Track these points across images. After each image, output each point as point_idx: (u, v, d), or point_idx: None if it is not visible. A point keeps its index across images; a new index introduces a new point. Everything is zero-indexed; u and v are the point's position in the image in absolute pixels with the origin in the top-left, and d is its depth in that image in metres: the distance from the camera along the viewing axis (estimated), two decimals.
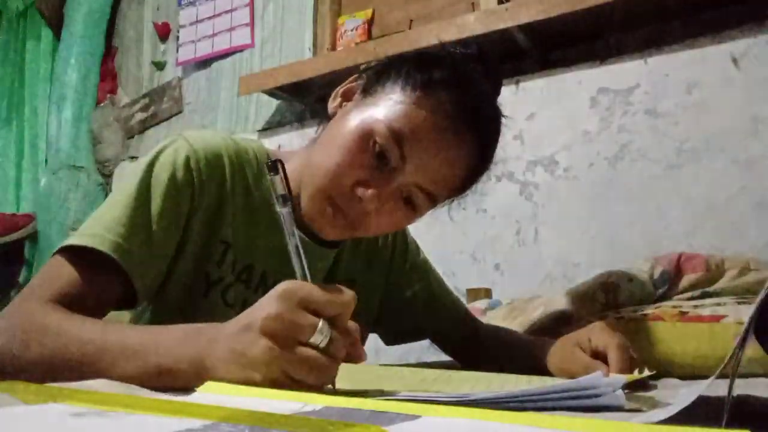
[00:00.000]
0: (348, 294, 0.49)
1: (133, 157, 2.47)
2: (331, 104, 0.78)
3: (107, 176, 2.52)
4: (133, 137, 2.49)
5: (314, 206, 0.72)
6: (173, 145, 0.73)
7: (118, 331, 0.57)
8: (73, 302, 0.61)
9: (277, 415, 0.31)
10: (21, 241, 2.43)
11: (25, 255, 2.46)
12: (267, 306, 0.47)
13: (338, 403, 0.37)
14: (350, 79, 0.78)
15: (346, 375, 0.51)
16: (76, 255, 0.63)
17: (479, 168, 0.77)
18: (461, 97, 0.70)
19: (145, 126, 2.46)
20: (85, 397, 0.36)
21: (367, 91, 0.74)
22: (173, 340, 0.53)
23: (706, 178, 1.35)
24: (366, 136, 0.68)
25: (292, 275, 0.52)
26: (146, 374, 0.51)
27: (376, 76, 0.75)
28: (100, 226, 0.65)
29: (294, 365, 0.45)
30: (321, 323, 0.46)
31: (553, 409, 0.42)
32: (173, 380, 0.51)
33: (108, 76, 2.60)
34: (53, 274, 0.64)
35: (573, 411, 0.41)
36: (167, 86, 2.43)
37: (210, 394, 0.43)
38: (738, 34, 1.36)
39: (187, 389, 0.47)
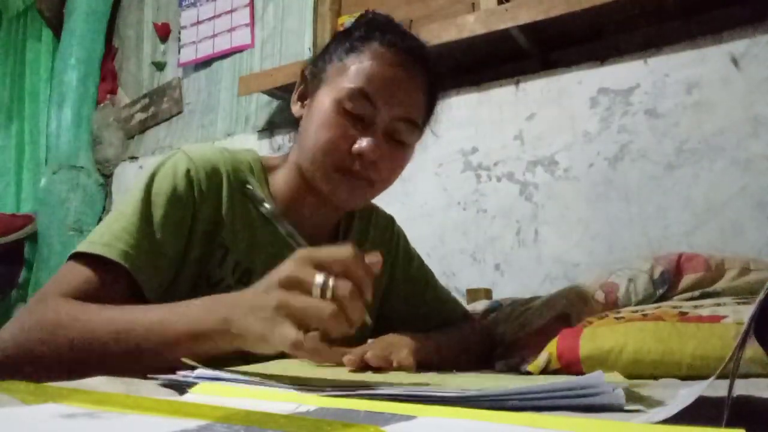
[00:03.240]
0: (346, 249, 0.55)
1: (133, 158, 2.47)
2: (295, 109, 0.87)
3: (107, 176, 2.51)
4: (133, 137, 2.49)
5: (330, 182, 0.79)
6: (173, 158, 0.79)
7: (140, 311, 0.63)
8: (86, 299, 0.66)
9: (275, 415, 0.31)
10: (21, 241, 2.43)
11: (25, 255, 2.46)
12: (282, 269, 0.54)
13: (333, 403, 0.36)
14: (297, 83, 0.88)
15: (347, 375, 0.51)
16: (87, 261, 0.69)
17: (434, 85, 0.85)
18: (386, 36, 0.80)
19: (145, 126, 2.46)
20: (82, 398, 0.36)
21: (314, 82, 0.83)
22: (196, 308, 0.60)
23: (706, 178, 1.35)
24: (337, 108, 0.78)
25: None
26: (179, 341, 0.58)
27: (315, 68, 0.84)
28: (109, 235, 0.70)
29: (301, 312, 0.52)
30: (319, 276, 0.52)
31: (553, 408, 0.42)
32: (204, 342, 0.57)
33: (108, 76, 2.60)
34: (66, 275, 0.69)
35: (573, 411, 0.41)
36: (167, 86, 2.42)
37: (204, 395, 0.43)
38: (738, 34, 1.36)
39: (217, 356, 0.54)
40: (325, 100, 0.79)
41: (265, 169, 0.87)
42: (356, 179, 0.79)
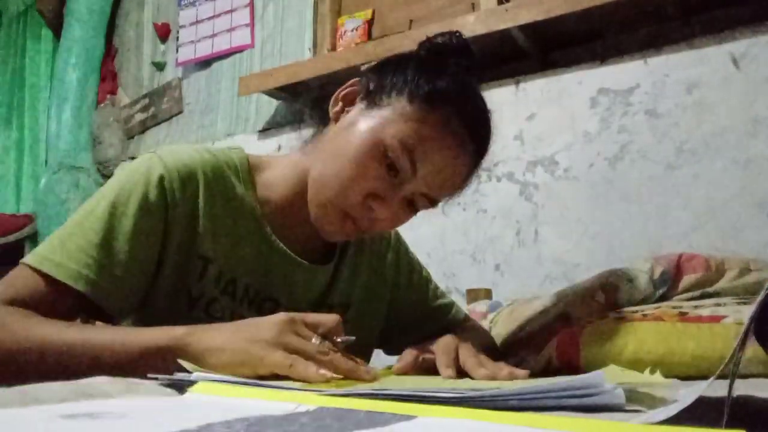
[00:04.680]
0: (332, 316, 0.61)
1: (133, 158, 2.47)
2: (333, 109, 0.78)
3: (107, 176, 2.51)
4: (133, 138, 2.49)
5: (326, 216, 0.75)
6: (145, 163, 0.72)
7: (87, 329, 0.63)
8: (31, 309, 0.63)
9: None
10: (21, 241, 2.43)
11: (25, 255, 2.46)
12: (279, 315, 0.59)
13: (333, 403, 0.36)
14: (350, 82, 0.79)
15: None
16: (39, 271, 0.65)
17: (474, 171, 0.81)
18: (464, 109, 0.74)
19: (145, 126, 2.46)
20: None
21: (370, 97, 0.75)
22: (153, 330, 0.61)
23: (706, 178, 1.35)
24: (378, 150, 0.71)
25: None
26: (133, 359, 0.58)
27: (377, 81, 0.76)
28: (62, 253, 0.66)
29: (297, 342, 0.56)
30: (315, 336, 0.58)
31: (553, 408, 0.42)
32: (154, 359, 0.57)
33: (108, 76, 2.60)
34: (17, 279, 0.65)
35: (573, 411, 0.41)
36: (167, 87, 2.42)
37: (204, 394, 0.43)
38: (738, 34, 1.36)
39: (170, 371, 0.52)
40: (371, 129, 0.72)
41: (252, 169, 0.80)
42: (352, 224, 0.74)
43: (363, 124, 0.73)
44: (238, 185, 0.77)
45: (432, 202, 0.76)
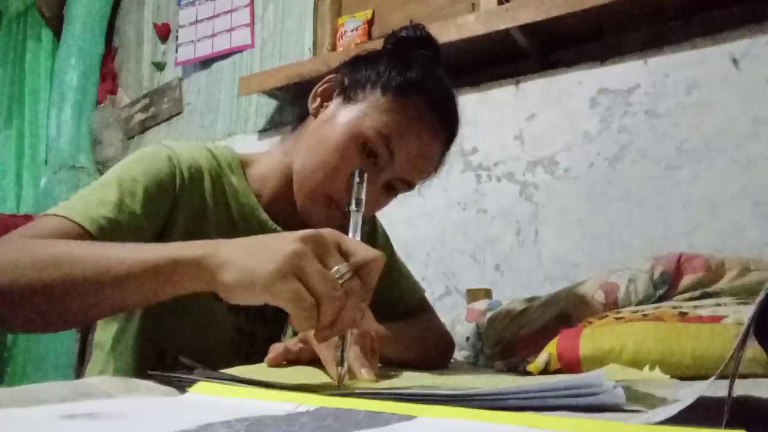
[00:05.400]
0: (376, 251, 0.52)
1: None
2: (312, 104, 0.84)
3: None
4: (133, 138, 2.49)
5: (313, 204, 0.79)
6: (155, 148, 0.78)
7: (101, 245, 0.60)
8: None
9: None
10: None
11: None
12: (309, 231, 0.51)
13: (333, 403, 0.36)
14: (326, 78, 0.84)
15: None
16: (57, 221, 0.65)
17: (446, 154, 0.86)
18: (433, 96, 0.80)
19: (145, 126, 2.46)
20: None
21: (346, 92, 0.81)
22: (175, 244, 0.57)
23: (706, 178, 1.35)
24: (358, 140, 0.76)
25: None
26: (156, 267, 0.53)
27: (352, 76, 0.82)
28: (83, 204, 0.67)
29: (310, 279, 0.48)
30: (343, 265, 0.50)
31: (553, 408, 0.42)
32: (176, 272, 0.53)
33: (108, 76, 2.60)
34: (38, 223, 0.65)
35: (573, 411, 0.41)
36: (167, 87, 2.42)
37: (204, 394, 0.43)
38: (738, 34, 1.36)
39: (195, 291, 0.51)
40: (349, 122, 0.78)
41: (243, 164, 0.85)
42: (336, 209, 0.78)
43: (342, 117, 0.79)
44: (233, 177, 0.83)
45: (409, 185, 0.82)
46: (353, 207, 0.66)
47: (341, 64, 0.86)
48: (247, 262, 0.50)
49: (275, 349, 0.65)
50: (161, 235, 0.75)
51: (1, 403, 0.34)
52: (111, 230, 0.66)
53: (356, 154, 0.76)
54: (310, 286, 0.48)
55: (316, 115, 0.83)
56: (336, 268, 0.50)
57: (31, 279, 0.55)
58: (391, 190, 0.82)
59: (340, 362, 0.53)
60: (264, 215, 0.83)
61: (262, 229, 0.82)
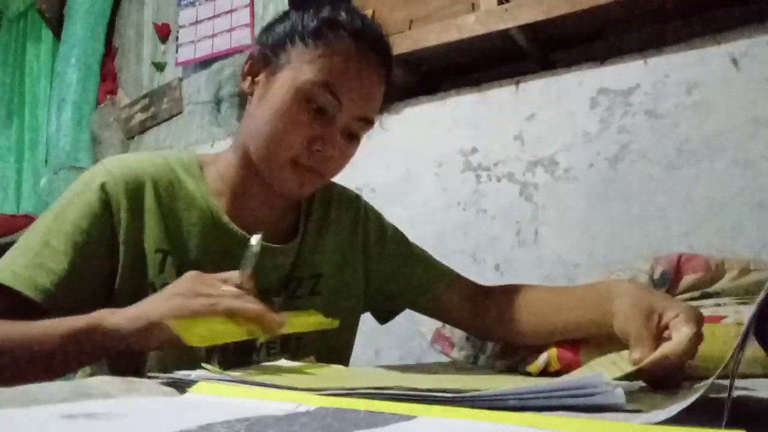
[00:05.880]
0: (235, 273, 0.66)
1: None
2: (245, 85, 0.83)
3: None
4: (133, 138, 2.49)
5: (281, 173, 0.78)
6: (90, 173, 0.78)
7: (16, 324, 0.64)
8: None
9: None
10: None
11: None
12: (179, 281, 0.65)
13: (333, 403, 0.36)
14: (247, 57, 0.83)
15: (346, 377, 0.50)
16: None
17: (389, 76, 0.83)
18: (353, 27, 0.78)
19: (145, 127, 2.46)
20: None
21: (270, 60, 0.80)
22: (74, 317, 0.63)
23: (706, 178, 1.35)
24: (299, 99, 0.75)
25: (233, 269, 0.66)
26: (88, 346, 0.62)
27: (268, 43, 0.80)
28: (6, 261, 0.70)
29: (209, 292, 0.62)
30: (224, 285, 0.64)
31: (553, 408, 0.42)
32: (119, 340, 0.61)
33: (108, 76, 2.60)
34: None
35: (573, 411, 0.41)
36: (167, 87, 2.42)
37: (204, 394, 0.43)
38: (738, 34, 1.36)
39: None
40: (285, 85, 0.76)
41: (202, 165, 0.84)
42: (308, 172, 0.78)
43: (275, 84, 0.77)
44: (190, 182, 0.81)
45: (368, 122, 0.80)
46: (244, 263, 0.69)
47: (255, 39, 0.85)
48: (155, 307, 0.62)
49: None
50: (114, 259, 0.75)
51: (1, 403, 0.34)
52: (58, 291, 0.69)
53: (303, 112, 0.75)
54: (212, 296, 0.62)
55: (252, 94, 0.82)
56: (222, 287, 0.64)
57: None
58: (352, 135, 0.80)
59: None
60: (225, 218, 0.81)
61: (225, 233, 0.80)
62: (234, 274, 0.65)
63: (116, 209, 0.75)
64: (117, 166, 0.78)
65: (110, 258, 0.75)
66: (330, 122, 0.77)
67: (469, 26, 1.56)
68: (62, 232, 0.72)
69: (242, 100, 0.88)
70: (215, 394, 0.43)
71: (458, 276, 0.97)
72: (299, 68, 0.76)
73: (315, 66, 0.75)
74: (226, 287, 0.63)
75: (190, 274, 0.65)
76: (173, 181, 0.80)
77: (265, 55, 0.80)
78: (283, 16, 0.82)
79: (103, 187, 0.75)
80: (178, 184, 0.80)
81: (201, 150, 2.03)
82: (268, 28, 0.83)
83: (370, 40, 0.79)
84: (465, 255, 1.62)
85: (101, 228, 0.74)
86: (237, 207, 0.83)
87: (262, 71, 0.80)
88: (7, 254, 0.71)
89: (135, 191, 0.77)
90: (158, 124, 2.42)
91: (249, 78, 0.82)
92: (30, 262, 0.69)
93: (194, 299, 0.61)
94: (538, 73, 1.60)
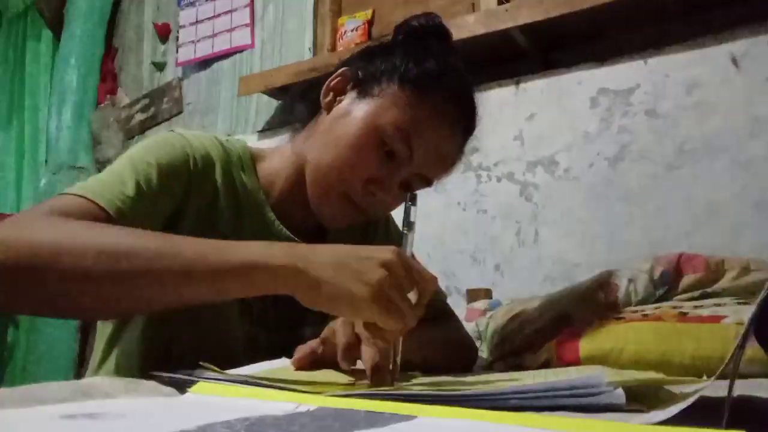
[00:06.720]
0: (433, 275, 0.58)
1: None
2: (324, 99, 0.81)
3: None
4: (133, 138, 2.49)
5: (328, 200, 0.77)
6: (167, 134, 0.76)
7: (169, 237, 0.58)
8: None
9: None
10: None
11: None
12: (387, 252, 0.55)
13: (333, 403, 0.36)
14: (339, 72, 0.81)
15: (345, 377, 0.50)
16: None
17: (464, 149, 0.83)
18: (452, 89, 0.77)
19: (145, 127, 2.46)
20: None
21: (361, 86, 0.77)
22: (254, 244, 0.56)
23: (706, 178, 1.35)
24: (375, 137, 0.73)
25: None
26: (228, 272, 0.53)
27: (366, 69, 0.78)
28: (100, 186, 0.65)
29: (391, 305, 0.53)
30: (414, 292, 0.56)
31: (553, 408, 0.42)
32: (262, 277, 0.54)
33: (108, 76, 2.60)
34: (52, 200, 0.63)
35: (573, 411, 0.41)
36: (167, 87, 2.42)
37: (204, 394, 0.43)
38: (738, 34, 1.36)
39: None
40: (367, 117, 0.74)
41: (254, 158, 0.83)
42: (353, 208, 0.77)
43: (357, 112, 0.75)
44: (242, 174, 0.80)
45: (427, 183, 0.79)
46: (404, 229, 0.64)
47: (353, 56, 0.83)
48: (339, 282, 0.53)
49: (301, 351, 0.63)
50: (172, 219, 0.72)
51: (1, 403, 0.34)
52: (129, 213, 0.64)
53: (374, 150, 0.74)
54: (392, 311, 0.53)
55: (329, 110, 0.80)
56: (409, 296, 0.55)
57: (100, 267, 0.52)
58: (408, 187, 0.78)
59: (394, 364, 0.58)
60: (271, 215, 0.81)
61: (268, 229, 0.80)
62: (429, 279, 0.58)
63: (194, 174, 0.74)
64: (192, 137, 0.76)
65: (176, 214, 0.72)
66: (395, 169, 0.75)
67: (469, 26, 1.56)
68: (144, 162, 0.69)
69: (312, 108, 0.85)
70: (215, 394, 0.43)
71: (443, 311, 0.97)
72: (387, 107, 0.74)
73: (401, 111, 0.74)
74: (411, 297, 0.56)
75: (390, 260, 0.55)
76: (232, 170, 0.79)
77: (358, 79, 0.78)
78: (389, 48, 0.80)
79: (183, 148, 0.74)
80: (235, 174, 0.79)
81: None
82: (370, 53, 0.81)
83: (463, 107, 0.78)
84: (465, 255, 1.62)
85: (178, 182, 0.72)
86: (280, 206, 0.82)
87: (349, 93, 0.79)
88: (90, 181, 0.67)
89: (209, 169, 0.76)
90: (158, 124, 2.42)
91: (332, 94, 0.80)
92: (107, 180, 0.67)
93: (371, 305, 0.53)
94: (538, 73, 1.60)
